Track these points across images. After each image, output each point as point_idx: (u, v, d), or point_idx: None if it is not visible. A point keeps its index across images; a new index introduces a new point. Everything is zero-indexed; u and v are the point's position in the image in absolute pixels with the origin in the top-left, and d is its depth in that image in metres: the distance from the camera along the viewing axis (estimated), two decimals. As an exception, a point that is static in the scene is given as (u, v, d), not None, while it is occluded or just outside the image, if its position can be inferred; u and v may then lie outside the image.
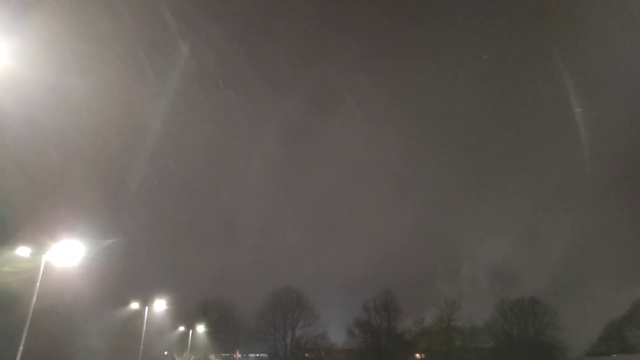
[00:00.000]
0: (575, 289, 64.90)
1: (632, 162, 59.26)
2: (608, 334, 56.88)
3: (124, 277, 53.67)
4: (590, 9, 51.56)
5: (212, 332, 53.77)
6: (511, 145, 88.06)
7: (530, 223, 79.27)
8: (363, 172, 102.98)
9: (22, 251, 17.97)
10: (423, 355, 63.98)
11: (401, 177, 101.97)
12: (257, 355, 72.90)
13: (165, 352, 52.34)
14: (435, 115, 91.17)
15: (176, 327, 51.88)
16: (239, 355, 66.57)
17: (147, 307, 34.63)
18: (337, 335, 69.66)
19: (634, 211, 63.66)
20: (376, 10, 77.87)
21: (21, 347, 16.62)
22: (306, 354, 66.94)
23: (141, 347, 33.34)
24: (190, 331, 48.23)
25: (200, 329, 50.14)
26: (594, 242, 62.35)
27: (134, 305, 36.53)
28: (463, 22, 75.38)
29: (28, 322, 16.99)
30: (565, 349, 57.19)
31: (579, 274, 65.18)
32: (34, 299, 16.82)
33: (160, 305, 36.35)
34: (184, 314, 54.37)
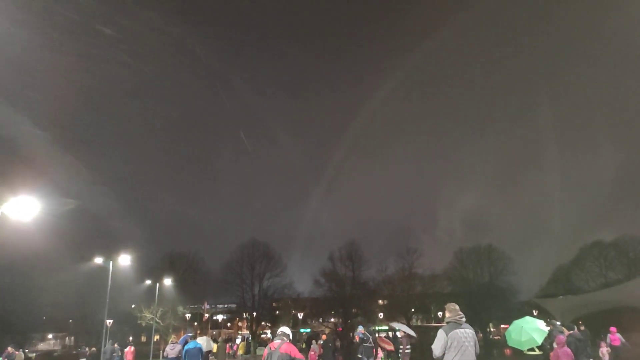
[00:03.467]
0: (534, 236, 68.84)
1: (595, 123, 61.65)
2: (556, 278, 60.85)
3: (87, 232, 52.83)
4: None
5: (180, 285, 54.03)
6: (487, 103, 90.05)
7: (502, 175, 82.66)
8: (338, 128, 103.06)
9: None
10: (386, 301, 66.92)
11: (379, 134, 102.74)
12: (226, 306, 74.33)
13: (133, 306, 52.52)
14: (415, 72, 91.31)
15: (142, 281, 51.84)
16: (207, 307, 67.64)
17: (111, 262, 34.24)
18: (304, 285, 71.72)
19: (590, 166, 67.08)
20: None
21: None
22: (274, 304, 68.68)
23: (107, 301, 33.25)
24: (157, 285, 48.32)
25: (167, 282, 50.24)
26: (555, 194, 65.40)
27: (98, 260, 36.02)
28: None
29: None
30: (517, 292, 61.06)
31: (540, 223, 68.77)
32: (-10, 254, 16.27)
33: (125, 260, 35.98)
34: (150, 267, 54.38)
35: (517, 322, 12.78)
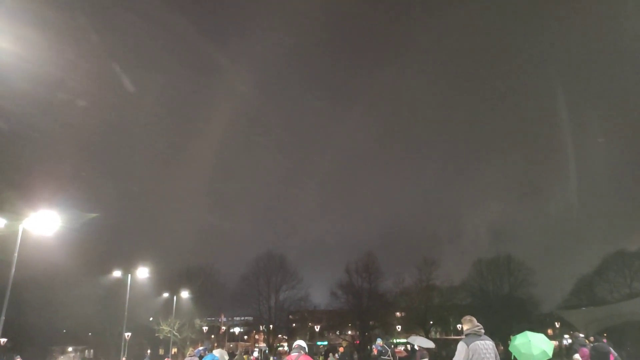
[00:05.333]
0: (556, 246, 67.39)
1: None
2: (579, 288, 59.40)
3: (105, 246, 53.49)
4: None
5: (197, 297, 54.31)
6: (509, 111, 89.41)
7: (527, 183, 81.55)
8: (365, 142, 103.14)
9: (-2, 220, 17.41)
10: (403, 314, 66.11)
11: (403, 145, 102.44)
12: (242, 318, 74.26)
13: (151, 319, 52.90)
14: (438, 83, 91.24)
15: (160, 294, 52.20)
16: (224, 319, 67.69)
17: (129, 275, 34.63)
18: (320, 297, 71.31)
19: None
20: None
21: (2, 317, 16.47)
22: (290, 316, 68.43)
23: (125, 313, 33.55)
24: (175, 297, 48.61)
25: (185, 294, 50.54)
26: (577, 202, 64.04)
27: (117, 274, 36.50)
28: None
29: (8, 293, 16.82)
30: (538, 303, 59.76)
31: (562, 233, 67.34)
32: (13, 268, 16.57)
33: (143, 273, 36.38)
34: (167, 280, 54.70)
35: (521, 337, 12.12)
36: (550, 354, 11.38)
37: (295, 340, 9.57)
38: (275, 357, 51.23)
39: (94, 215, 36.43)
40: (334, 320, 67.48)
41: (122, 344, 34.85)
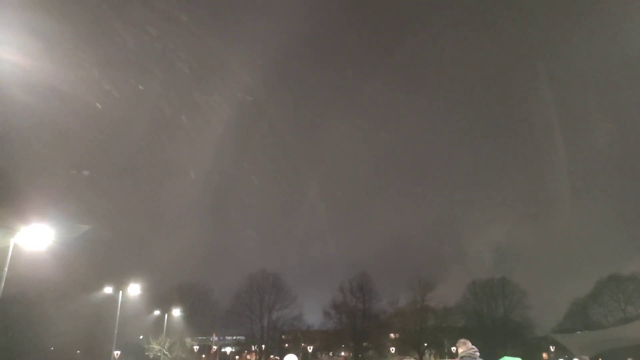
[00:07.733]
0: (551, 269, 67.32)
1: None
2: (573, 312, 59.19)
3: (96, 262, 52.81)
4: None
5: (188, 315, 53.60)
6: (514, 132, 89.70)
7: (525, 206, 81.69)
8: (365, 163, 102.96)
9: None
10: (397, 335, 65.42)
11: (404, 166, 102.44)
12: (234, 337, 73.19)
13: (141, 337, 52.01)
14: (441, 102, 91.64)
15: (151, 312, 51.45)
16: (215, 339, 66.66)
17: (120, 292, 34.14)
18: (314, 317, 70.58)
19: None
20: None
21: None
22: (283, 336, 67.53)
23: (115, 331, 32.95)
24: (166, 315, 47.92)
25: (176, 312, 49.85)
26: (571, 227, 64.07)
27: (107, 290, 36.02)
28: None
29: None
30: (532, 326, 59.43)
31: (557, 256, 67.37)
32: (2, 284, 16.29)
33: (134, 290, 35.89)
34: (159, 298, 53.98)
35: None
36: None
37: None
38: None
39: (86, 227, 36.07)
40: (327, 341, 66.64)
41: (111, 362, 34.15)
